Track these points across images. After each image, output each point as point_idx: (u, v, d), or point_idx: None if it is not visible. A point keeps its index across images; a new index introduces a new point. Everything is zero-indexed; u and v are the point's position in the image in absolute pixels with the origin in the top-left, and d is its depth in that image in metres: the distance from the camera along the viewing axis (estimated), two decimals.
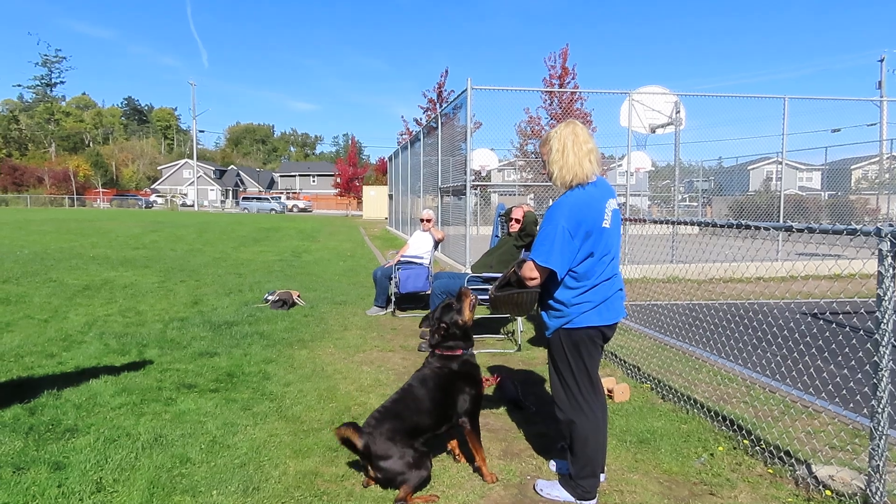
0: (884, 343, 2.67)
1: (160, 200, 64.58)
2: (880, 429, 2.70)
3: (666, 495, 3.07)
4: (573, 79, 34.99)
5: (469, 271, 6.55)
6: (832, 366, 5.25)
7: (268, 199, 60.84)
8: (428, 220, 8.09)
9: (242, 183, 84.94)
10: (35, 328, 6.20)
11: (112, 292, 8.48)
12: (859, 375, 4.93)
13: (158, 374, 4.78)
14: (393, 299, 7.67)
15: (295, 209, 61.18)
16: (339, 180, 57.32)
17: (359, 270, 12.26)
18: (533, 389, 4.79)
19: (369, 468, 2.97)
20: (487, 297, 3.04)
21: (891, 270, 2.61)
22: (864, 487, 2.93)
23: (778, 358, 5.55)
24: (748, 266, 11.66)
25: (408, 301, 8.01)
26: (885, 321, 2.67)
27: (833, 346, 5.83)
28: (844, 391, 4.53)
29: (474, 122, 18.55)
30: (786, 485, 3.15)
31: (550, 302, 2.95)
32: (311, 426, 3.82)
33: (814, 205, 26.42)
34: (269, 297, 7.95)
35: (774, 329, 6.63)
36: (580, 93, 27.07)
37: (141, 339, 5.83)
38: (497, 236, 8.96)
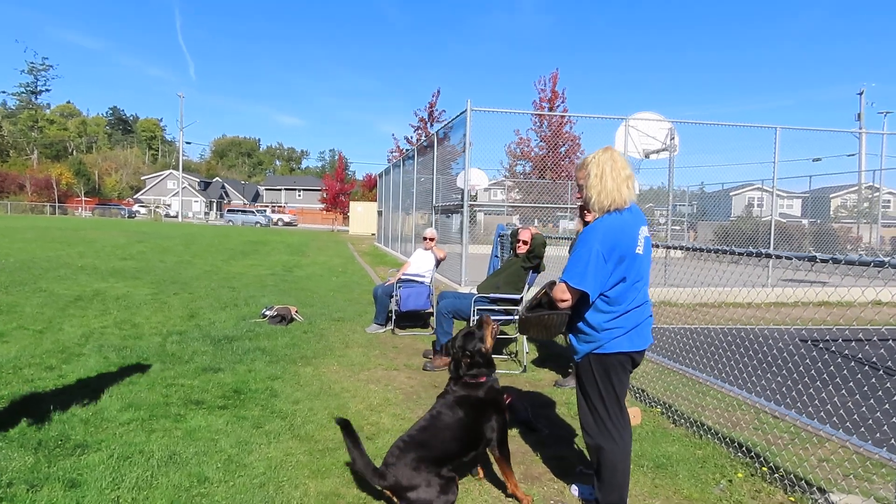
0: None
1: (143, 210, 63.90)
2: None
3: None
4: (562, 102, 35.51)
5: (473, 291, 6.54)
6: (836, 394, 5.30)
7: (253, 211, 60.49)
8: (431, 239, 8.09)
9: (227, 195, 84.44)
10: (30, 339, 6.06)
11: (105, 304, 8.34)
12: (866, 404, 4.98)
13: (164, 389, 4.69)
14: (393, 317, 7.63)
15: (280, 223, 60.84)
16: (325, 195, 57.21)
17: (353, 286, 12.19)
18: (543, 411, 4.78)
19: (394, 497, 2.92)
20: (516, 318, 3.03)
21: None
22: None
23: (782, 384, 5.60)
24: (740, 291, 11.80)
25: (407, 319, 7.97)
26: None
27: (831, 372, 5.90)
28: (849, 421, 4.57)
29: (463, 142, 18.71)
30: None
31: (580, 325, 2.95)
32: (326, 445, 3.76)
33: (797, 231, 26.82)
34: (267, 312, 7.87)
35: (774, 353, 6.69)
36: (574, 117, 27.28)
37: (141, 353, 5.73)
38: (497, 256, 8.99)
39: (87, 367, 5.15)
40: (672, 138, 13.03)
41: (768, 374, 5.93)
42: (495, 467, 3.50)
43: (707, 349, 6.88)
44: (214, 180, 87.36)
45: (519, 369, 5.96)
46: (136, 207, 64.12)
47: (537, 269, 5.99)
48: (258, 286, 11.20)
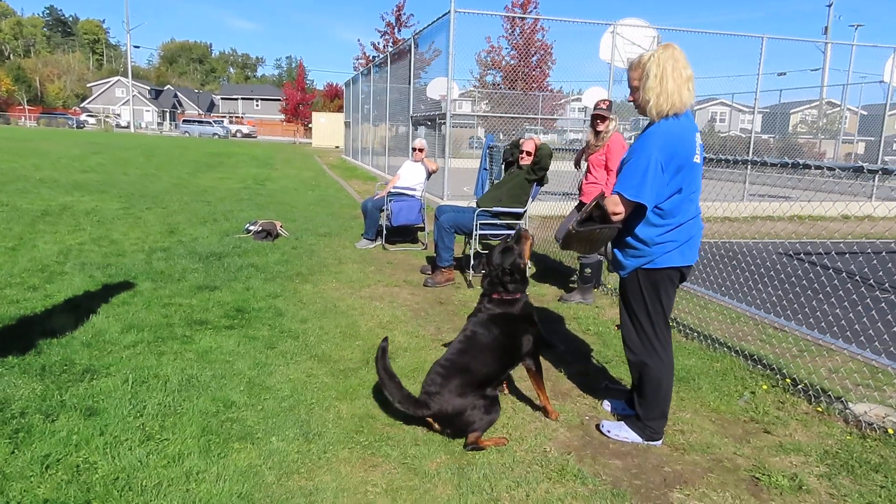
0: None
1: (92, 120, 60.47)
2: None
3: (722, 433, 3.08)
4: (535, 7, 34.14)
5: (471, 204, 6.34)
6: (828, 306, 5.40)
7: (210, 122, 57.96)
8: (420, 150, 7.77)
9: (180, 104, 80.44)
10: (4, 257, 5.68)
11: (76, 219, 7.87)
12: (855, 313, 5.08)
13: (161, 308, 4.46)
14: (384, 232, 7.42)
15: (238, 134, 58.57)
16: (286, 105, 55.03)
17: (331, 200, 11.84)
18: (554, 327, 4.74)
19: (434, 423, 2.83)
20: (565, 232, 2.86)
21: None
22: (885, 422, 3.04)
23: (773, 296, 5.69)
24: (720, 205, 11.91)
25: (396, 234, 7.76)
26: None
27: (822, 284, 6.02)
28: (850, 331, 4.67)
29: (433, 49, 17.91)
30: (836, 422, 3.22)
31: (629, 240, 2.81)
32: (347, 366, 3.64)
33: (764, 147, 27.06)
34: (252, 228, 7.56)
35: (762, 267, 6.78)
36: (551, 22, 26.33)
37: (127, 271, 5.43)
38: (486, 169, 8.75)
39: (72, 286, 4.85)
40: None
41: (759, 287, 6.00)
42: (520, 383, 3.46)
43: (699, 264, 6.92)
44: (166, 88, 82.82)
45: None
46: (83, 117, 60.63)
47: (542, 181, 5.80)
48: (233, 200, 10.77)
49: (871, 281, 6.72)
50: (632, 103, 2.83)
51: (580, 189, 5.35)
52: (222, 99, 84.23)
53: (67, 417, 2.76)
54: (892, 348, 4.42)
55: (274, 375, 3.42)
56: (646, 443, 2.93)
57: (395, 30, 34.10)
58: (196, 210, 9.30)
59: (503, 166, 7.63)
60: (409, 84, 15.07)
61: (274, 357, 3.69)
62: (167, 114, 74.56)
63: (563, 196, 7.99)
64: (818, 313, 5.12)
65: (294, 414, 2.99)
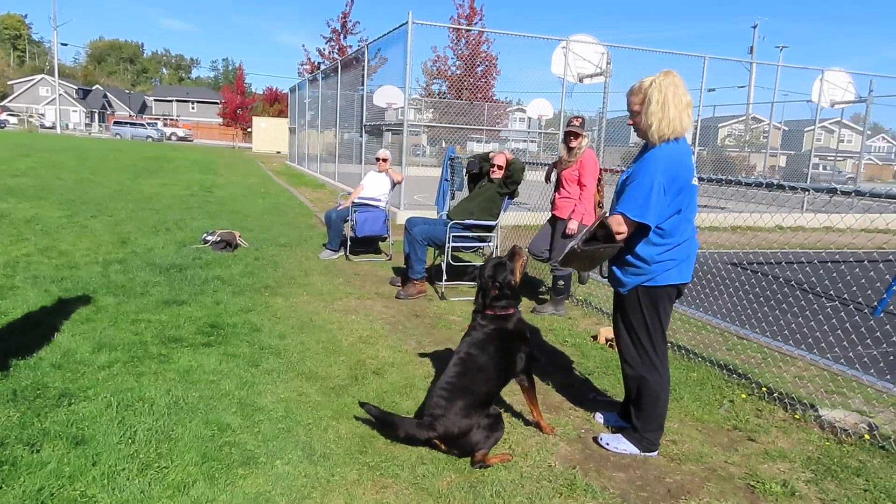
0: None
1: (13, 120, 57.04)
2: None
3: (711, 442, 3.20)
4: (481, 20, 34.61)
5: (442, 216, 6.37)
6: (777, 312, 5.70)
7: (143, 124, 55.64)
8: (385, 160, 7.72)
9: (110, 105, 77.00)
10: None
11: (16, 227, 7.41)
12: (806, 323, 5.39)
13: (129, 325, 4.25)
14: (348, 243, 7.33)
15: (173, 137, 56.51)
16: (225, 109, 53.60)
17: (284, 209, 11.60)
18: (532, 339, 4.79)
19: (441, 444, 2.82)
20: (568, 250, 2.90)
21: None
22: (865, 429, 3.25)
23: (728, 305, 5.95)
24: None
25: (359, 245, 7.68)
26: None
27: (773, 292, 6.35)
28: (812, 338, 4.94)
29: (379, 57, 17.88)
30: (812, 429, 3.39)
31: (629, 258, 2.89)
32: (336, 383, 3.58)
33: (699, 159, 28.21)
34: (209, 238, 7.31)
35: (711, 276, 7.09)
36: (496, 35, 26.76)
37: (84, 285, 5.15)
38: (447, 180, 8.78)
39: (28, 302, 4.57)
40: (608, 63, 13.04)
41: (714, 295, 6.26)
42: (510, 396, 3.49)
43: None
44: (94, 88, 79.13)
45: None
46: (4, 116, 57.11)
47: (513, 194, 5.88)
48: (182, 208, 10.39)
49: (817, 290, 7.13)
50: (631, 126, 2.91)
51: (553, 203, 5.44)
52: (155, 100, 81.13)
53: (53, 447, 2.60)
54: (850, 354, 4.71)
55: (264, 395, 3.32)
56: (643, 454, 3.00)
57: (341, 36, 33.84)
58: (144, 218, 8.92)
59: (466, 178, 7.71)
60: (363, 91, 14.98)
61: (260, 376, 3.58)
62: (96, 115, 71.21)
63: (517, 206, 8.12)
64: (770, 320, 5.40)
65: (293, 436, 2.91)
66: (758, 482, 2.81)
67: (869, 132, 20.19)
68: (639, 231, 2.80)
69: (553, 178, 5.72)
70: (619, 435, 3.08)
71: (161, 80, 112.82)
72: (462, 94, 29.30)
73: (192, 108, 79.07)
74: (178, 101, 79.74)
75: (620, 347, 3.05)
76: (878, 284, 6.69)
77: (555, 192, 5.49)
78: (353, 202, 7.37)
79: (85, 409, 2.96)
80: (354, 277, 6.41)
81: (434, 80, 35.80)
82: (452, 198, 9.01)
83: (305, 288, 5.74)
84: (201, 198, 12.22)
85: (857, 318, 5.86)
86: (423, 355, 4.18)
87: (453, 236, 5.73)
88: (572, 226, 5.18)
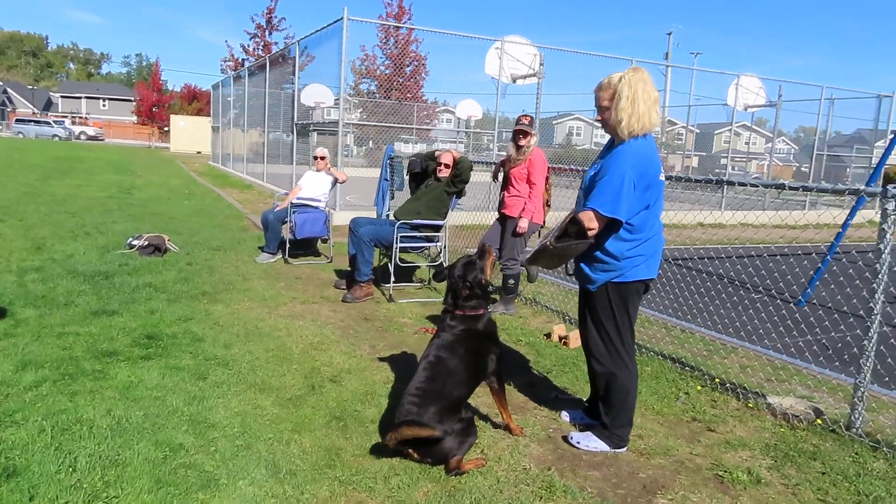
0: (879, 290, 3.04)
1: None
2: (865, 370, 3.11)
3: (674, 435, 3.24)
4: (409, 19, 34.54)
5: (388, 216, 6.22)
6: (712, 306, 5.93)
7: (49, 122, 52.02)
8: (323, 159, 7.49)
9: (11, 101, 71.50)
10: None
11: None
12: (743, 313, 5.62)
13: (56, 339, 3.89)
14: (287, 245, 7.06)
15: (83, 136, 53.15)
16: (140, 107, 51.02)
17: (213, 211, 11.09)
18: None
19: (414, 453, 2.70)
20: (538, 247, 2.85)
21: (892, 227, 2.94)
22: (812, 415, 3.40)
23: (667, 300, 6.14)
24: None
25: (298, 247, 7.41)
26: (882, 271, 3.02)
27: (707, 287, 6.60)
28: (747, 329, 5.15)
29: (306, 54, 17.53)
30: (765, 416, 3.51)
31: (599, 254, 2.87)
32: (293, 394, 3.39)
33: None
34: (135, 242, 6.87)
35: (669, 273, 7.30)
36: (425, 32, 26.72)
37: (5, 298, 4.69)
38: (386, 180, 8.65)
39: None
40: (541, 64, 13.24)
41: (653, 291, 6.43)
42: (475, 399, 3.41)
43: None
44: None
45: (441, 296, 5.85)
46: None
47: (460, 193, 5.82)
48: (101, 211, 9.73)
49: (746, 283, 7.47)
50: (599, 122, 2.90)
51: (502, 202, 5.42)
52: (62, 97, 76.04)
53: None
54: (787, 341, 4.93)
55: (216, 410, 3.10)
56: (614, 451, 3.00)
57: (266, 32, 32.86)
58: (60, 222, 8.28)
59: (408, 178, 7.60)
60: (294, 89, 14.57)
61: (209, 389, 3.35)
62: None
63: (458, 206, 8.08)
64: (707, 313, 5.59)
65: (254, 452, 2.72)
66: (725, 472, 2.86)
67: (771, 135, 21.53)
68: (608, 227, 2.79)
69: (500, 176, 5.70)
70: (589, 433, 3.07)
71: (68, 75, 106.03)
72: (391, 94, 29.14)
73: (104, 105, 74.71)
74: (87, 97, 75.11)
75: (589, 344, 3.04)
76: (801, 277, 7.06)
77: (503, 190, 5.47)
78: (291, 203, 7.10)
79: (14, 436, 2.66)
80: (296, 281, 6.17)
81: (363, 80, 35.44)
82: (392, 198, 8.89)
83: (246, 293, 5.46)
84: (121, 200, 11.50)
85: (784, 310, 6.15)
86: (380, 360, 4.05)
87: (401, 237, 5.60)
88: (523, 224, 5.17)
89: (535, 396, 3.65)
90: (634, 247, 2.82)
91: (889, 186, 2.98)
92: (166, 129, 49.45)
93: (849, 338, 5.08)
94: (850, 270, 8.04)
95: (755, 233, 13.05)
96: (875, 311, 3.07)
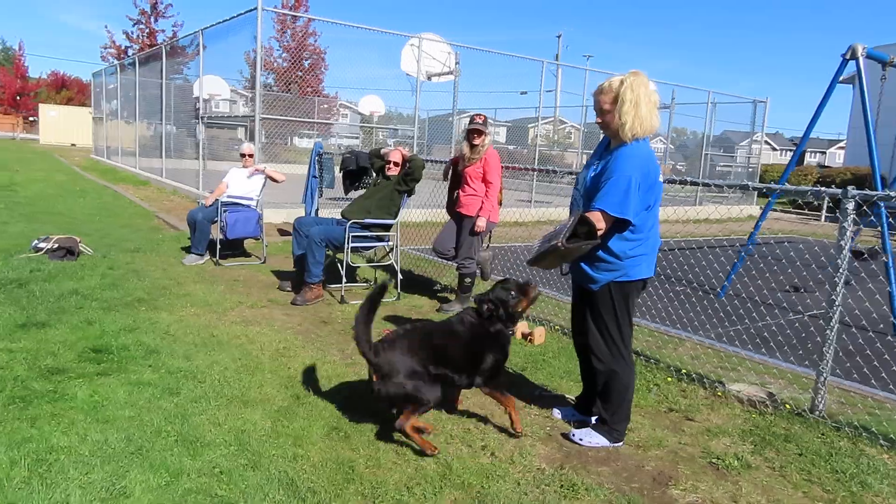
0: (840, 284, 3.33)
1: None
2: (827, 357, 3.41)
3: (658, 426, 3.38)
4: (306, 10, 33.68)
5: (333, 216, 6.01)
6: (659, 302, 6.26)
7: None
8: (250, 156, 7.12)
9: None
10: None
11: None
12: (673, 305, 5.98)
13: None
14: (218, 246, 6.65)
15: None
16: (1, 94, 46.07)
17: (114, 209, 10.25)
18: None
19: (375, 377, 2.84)
20: (546, 248, 2.85)
21: (852, 225, 3.24)
22: (767, 400, 3.69)
23: None
24: (510, 212, 13.00)
25: (227, 248, 6.99)
26: (842, 266, 3.32)
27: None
28: (685, 319, 5.48)
29: (195, 45, 16.73)
30: (734, 403, 3.74)
31: (602, 254, 2.93)
32: (279, 405, 3.20)
33: (522, 157, 30.02)
34: (43, 245, 6.20)
35: None
36: (331, 25, 26.20)
37: None
38: (315, 177, 8.40)
39: None
40: (456, 62, 13.35)
41: None
42: (469, 399, 3.40)
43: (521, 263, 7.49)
44: None
45: (394, 296, 5.75)
46: None
47: (411, 192, 5.74)
48: None
49: (672, 277, 7.94)
50: (599, 125, 2.95)
51: (457, 200, 5.40)
52: None
53: None
54: (721, 332, 5.29)
55: (203, 428, 2.86)
56: (613, 445, 3.09)
57: (151, 19, 30.70)
58: None
59: (341, 175, 7.40)
60: (198, 81, 13.76)
61: (187, 405, 3.08)
62: None
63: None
64: (645, 307, 5.88)
65: (263, 472, 2.54)
66: (716, 459, 3.02)
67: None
68: (612, 227, 2.86)
69: (449, 175, 5.69)
70: (589, 429, 3.14)
71: None
72: (290, 88, 28.31)
73: None
74: None
75: (590, 343, 3.09)
76: (708, 269, 7.61)
77: (458, 189, 5.46)
78: (220, 202, 6.67)
79: None
80: (236, 284, 5.82)
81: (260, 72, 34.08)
82: (321, 196, 8.63)
83: (186, 299, 5.09)
84: (4, 198, 10.34)
85: (705, 301, 6.60)
86: (355, 365, 3.90)
87: (352, 236, 5.44)
88: (481, 223, 5.19)
89: (521, 395, 3.66)
90: (636, 246, 2.91)
91: (849, 188, 3.27)
92: (33, 119, 44.97)
93: (774, 327, 5.55)
94: (749, 263, 8.76)
95: (671, 227, 13.92)
96: (836, 304, 3.37)
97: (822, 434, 3.33)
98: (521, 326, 4.84)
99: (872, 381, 4.12)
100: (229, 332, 4.32)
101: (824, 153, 57.96)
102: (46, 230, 7.27)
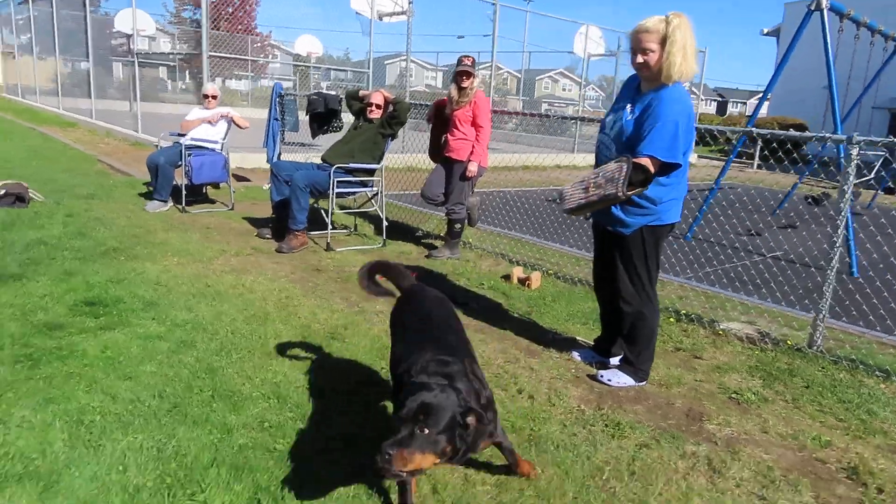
0: (841, 227, 3.49)
1: None
2: (827, 296, 3.59)
3: (671, 364, 3.50)
4: None
5: (309, 160, 5.74)
6: None
7: None
8: (214, 98, 6.68)
9: None
10: None
11: None
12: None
13: None
14: (183, 192, 6.27)
15: None
16: None
17: (49, 153, 9.47)
18: (446, 284, 4.68)
19: None
20: (599, 197, 2.75)
21: (854, 170, 3.37)
22: (759, 336, 3.89)
23: (582, 239, 6.52)
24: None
25: (190, 194, 6.60)
26: (845, 210, 3.47)
27: None
28: (674, 263, 5.65)
29: None
30: (735, 342, 3.90)
31: (636, 199, 2.93)
32: (303, 356, 3.09)
33: None
34: None
35: (547, 212, 7.67)
36: None
37: None
38: (276, 119, 8.04)
39: None
40: (409, 2, 12.85)
41: (559, 230, 6.77)
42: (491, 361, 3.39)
43: (515, 211, 7.51)
44: None
45: (379, 243, 5.63)
46: None
47: (395, 136, 5.55)
48: None
49: None
50: (641, 65, 2.88)
51: (446, 144, 5.26)
52: None
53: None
54: (699, 274, 5.49)
55: (236, 381, 2.73)
56: (638, 384, 3.17)
57: None
58: None
59: (309, 118, 7.09)
60: (132, 14, 12.72)
61: (210, 359, 2.93)
62: None
63: None
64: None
65: (315, 425, 2.45)
66: (735, 394, 3.16)
67: (584, 82, 23.41)
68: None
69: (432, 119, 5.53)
70: (616, 370, 3.20)
71: None
72: (220, 25, 26.65)
73: None
74: None
75: (619, 287, 3.11)
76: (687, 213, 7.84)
77: (444, 133, 5.31)
78: (185, 145, 6.26)
79: (15, 439, 2.12)
80: (210, 231, 5.54)
81: (185, 6, 31.93)
82: (283, 140, 8.26)
83: (163, 248, 4.80)
84: None
85: (675, 245, 6.81)
86: (366, 313, 3.81)
87: (340, 181, 5.24)
88: (472, 168, 5.09)
89: (535, 339, 3.70)
90: (670, 191, 2.92)
91: (854, 133, 3.38)
92: None
93: (739, 268, 5.81)
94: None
95: None
96: (837, 245, 3.53)
97: (823, 368, 3.54)
98: (517, 271, 4.86)
99: (844, 318, 4.41)
100: (224, 282, 4.11)
101: (745, 103, 60.29)
102: None
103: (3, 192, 5.65)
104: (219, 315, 3.51)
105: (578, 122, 14.79)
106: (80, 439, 2.15)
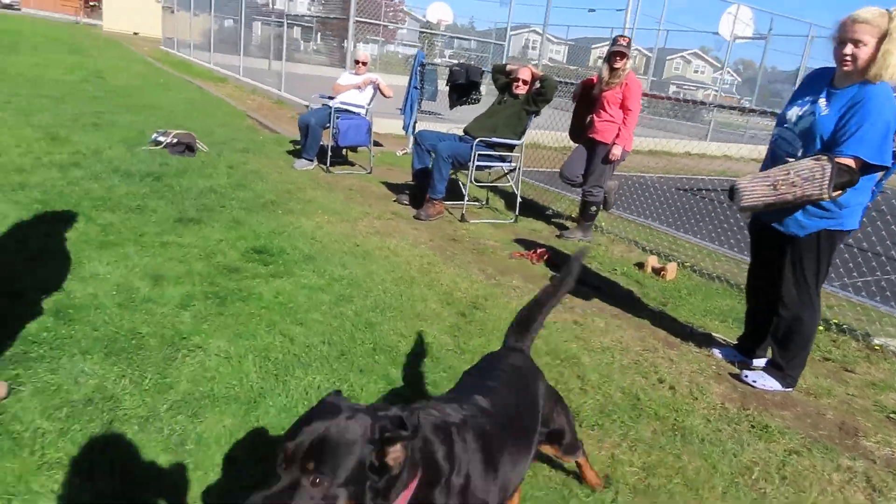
0: None
1: None
2: None
3: (820, 374, 3.34)
4: None
5: (452, 131, 5.89)
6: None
7: None
8: (364, 64, 6.96)
9: None
10: None
11: None
12: None
13: (161, 250, 3.56)
14: (329, 153, 6.65)
15: None
16: None
17: (206, 106, 10.28)
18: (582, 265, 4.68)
19: None
20: (800, 198, 2.65)
21: None
22: None
23: (721, 230, 6.25)
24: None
25: (335, 156, 6.97)
26: None
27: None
28: None
29: None
30: (891, 358, 3.67)
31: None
32: (450, 322, 3.26)
33: (575, 77, 28.56)
34: (162, 139, 6.28)
35: (702, 203, 7.39)
36: None
37: (62, 195, 4.21)
38: (416, 88, 8.23)
39: (7, 217, 3.64)
40: None
41: (692, 221, 6.50)
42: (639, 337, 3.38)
43: (647, 198, 7.34)
44: None
45: (511, 218, 5.72)
46: None
47: (538, 113, 5.56)
48: (85, 98, 8.81)
49: None
50: (846, 57, 2.69)
51: (591, 125, 5.21)
52: None
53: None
54: (847, 282, 5.13)
55: (392, 338, 2.94)
56: (784, 390, 3.08)
57: None
58: (52, 109, 7.44)
59: (448, 88, 7.22)
60: None
61: (367, 315, 3.16)
62: None
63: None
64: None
65: None
66: (893, 413, 2.99)
67: (720, 65, 21.71)
68: None
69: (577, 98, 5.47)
70: (762, 372, 3.12)
71: None
72: None
73: None
74: None
75: (782, 289, 3.00)
76: None
77: (590, 114, 5.26)
78: (334, 108, 6.60)
79: (215, 366, 2.42)
80: (352, 193, 5.85)
81: None
82: (420, 109, 8.48)
83: (313, 205, 5.14)
84: (98, 86, 10.44)
85: None
86: (503, 286, 3.93)
87: (482, 155, 5.35)
88: (616, 151, 5.02)
89: (672, 331, 3.66)
90: (859, 194, 2.77)
91: None
92: (93, 2, 44.80)
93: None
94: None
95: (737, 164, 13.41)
96: None
97: None
98: (652, 260, 4.78)
99: None
100: (370, 244, 4.37)
101: None
102: (153, 123, 7.37)
103: (175, 140, 6.25)
104: (370, 274, 3.75)
105: (715, 109, 13.99)
106: (269, 373, 2.42)
